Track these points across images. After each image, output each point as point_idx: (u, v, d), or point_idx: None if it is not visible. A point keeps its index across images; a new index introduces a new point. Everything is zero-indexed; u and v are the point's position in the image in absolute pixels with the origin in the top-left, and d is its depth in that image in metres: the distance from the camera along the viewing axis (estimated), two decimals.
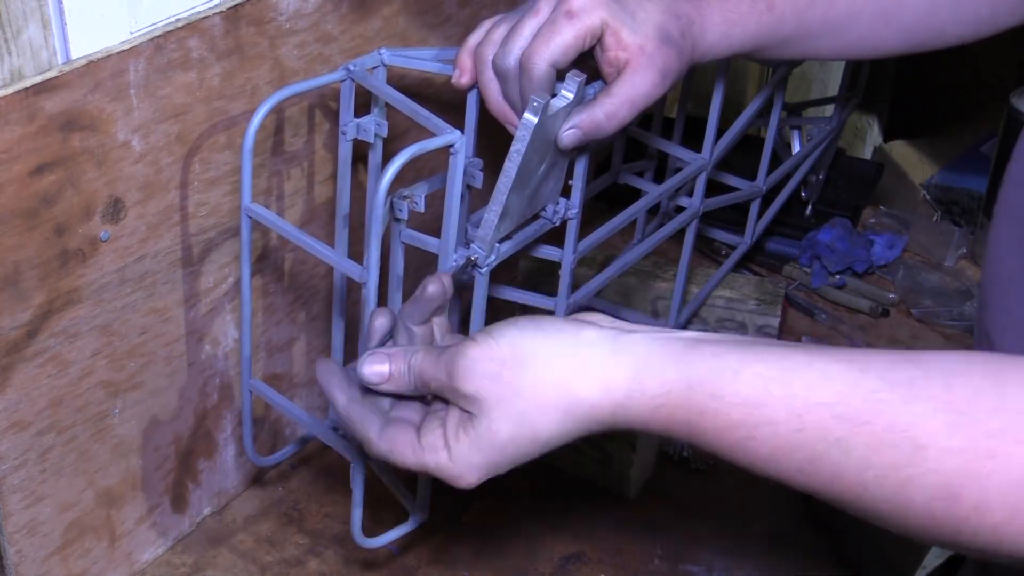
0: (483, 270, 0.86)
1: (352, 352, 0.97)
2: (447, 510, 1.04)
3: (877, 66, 1.43)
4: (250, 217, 0.89)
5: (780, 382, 0.61)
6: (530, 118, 0.80)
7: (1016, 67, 1.55)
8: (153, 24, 0.82)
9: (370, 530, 0.92)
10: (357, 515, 0.89)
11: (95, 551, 0.92)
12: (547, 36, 0.81)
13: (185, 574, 0.97)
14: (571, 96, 0.82)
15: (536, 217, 0.91)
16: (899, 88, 1.62)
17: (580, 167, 0.89)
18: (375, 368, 0.72)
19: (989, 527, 0.56)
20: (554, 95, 0.82)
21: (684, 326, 1.16)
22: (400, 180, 0.81)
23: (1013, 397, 0.57)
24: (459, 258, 0.84)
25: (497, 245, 0.86)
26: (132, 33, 0.81)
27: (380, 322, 0.76)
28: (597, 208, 1.29)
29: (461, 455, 0.69)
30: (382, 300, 0.85)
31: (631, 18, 0.83)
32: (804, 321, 1.29)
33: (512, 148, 0.81)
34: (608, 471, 1.06)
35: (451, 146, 0.81)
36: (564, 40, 0.81)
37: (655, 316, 1.20)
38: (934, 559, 0.94)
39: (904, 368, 0.59)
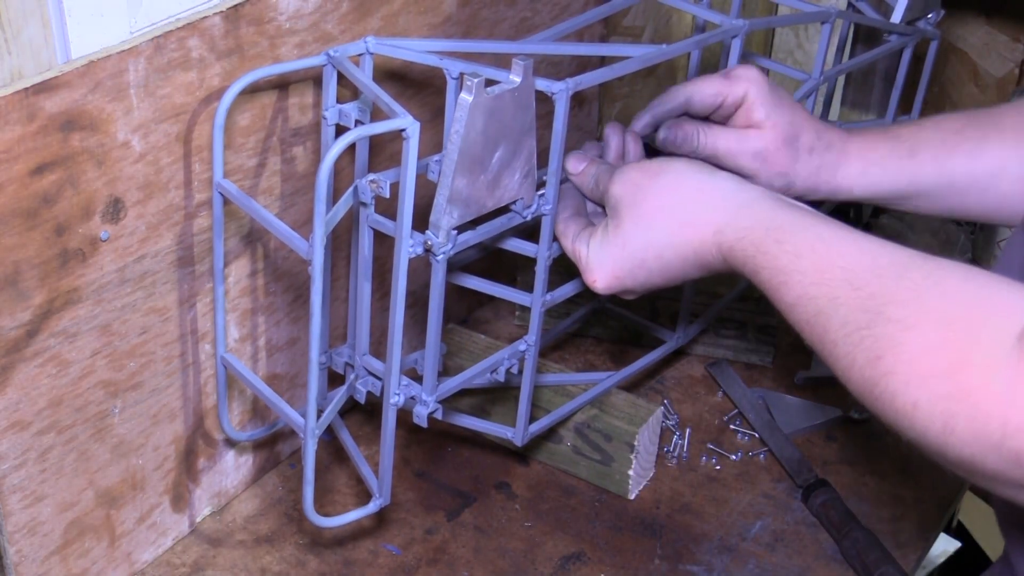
0: (438, 256, 0.85)
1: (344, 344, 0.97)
2: (447, 510, 1.04)
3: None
4: (221, 194, 0.89)
5: (826, 245, 0.72)
6: (465, 97, 0.79)
7: (1017, 67, 1.55)
8: (153, 24, 0.82)
9: (364, 525, 0.92)
10: (308, 492, 0.88)
11: (95, 551, 0.92)
12: (695, 79, 0.94)
13: (185, 574, 0.97)
14: (518, 80, 0.82)
15: (506, 210, 0.90)
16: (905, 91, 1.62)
17: (554, 164, 0.88)
18: (576, 160, 0.91)
19: (893, 392, 0.64)
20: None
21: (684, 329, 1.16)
22: (381, 169, 0.81)
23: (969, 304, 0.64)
24: (415, 243, 0.84)
25: (454, 233, 0.85)
26: (132, 33, 0.81)
27: (609, 132, 0.95)
28: None
29: (593, 251, 0.86)
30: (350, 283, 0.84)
31: (775, 108, 0.92)
32: None
33: (451, 129, 0.80)
34: (608, 471, 1.06)
35: (403, 131, 0.80)
36: (706, 86, 0.93)
37: (654, 318, 1.20)
38: (934, 559, 0.94)
39: (912, 264, 0.68)
